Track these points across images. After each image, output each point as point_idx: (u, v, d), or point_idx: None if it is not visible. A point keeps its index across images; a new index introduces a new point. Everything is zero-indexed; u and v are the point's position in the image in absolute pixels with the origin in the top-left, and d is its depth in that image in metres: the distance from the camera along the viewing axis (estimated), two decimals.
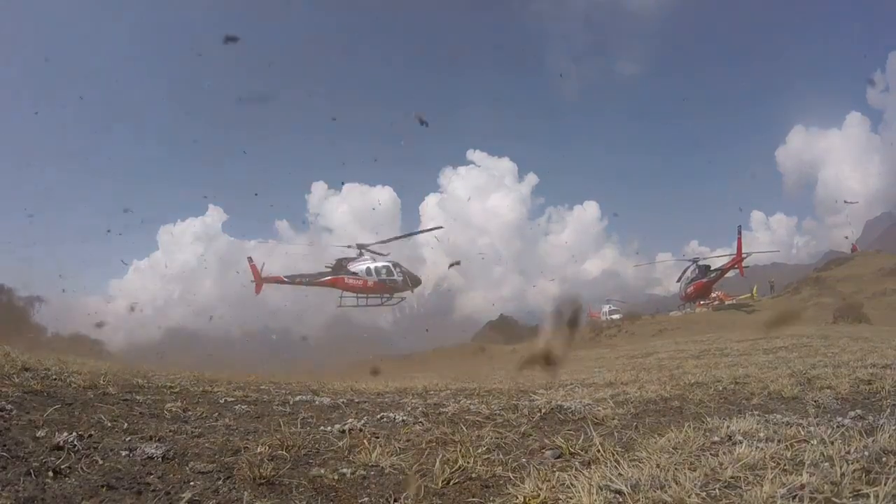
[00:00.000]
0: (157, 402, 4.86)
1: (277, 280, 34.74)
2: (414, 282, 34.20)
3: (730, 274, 47.31)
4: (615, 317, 53.31)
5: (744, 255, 45.45)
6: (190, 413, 4.58)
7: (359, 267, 33.47)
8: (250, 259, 35.43)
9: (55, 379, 5.29)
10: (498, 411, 4.90)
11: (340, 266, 33.74)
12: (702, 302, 51.22)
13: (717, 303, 51.53)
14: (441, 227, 37.12)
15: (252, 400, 5.61)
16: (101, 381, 5.49)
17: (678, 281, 51.83)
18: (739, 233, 46.57)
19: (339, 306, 34.56)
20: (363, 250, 33.63)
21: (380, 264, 33.50)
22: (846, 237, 64.83)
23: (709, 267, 48.79)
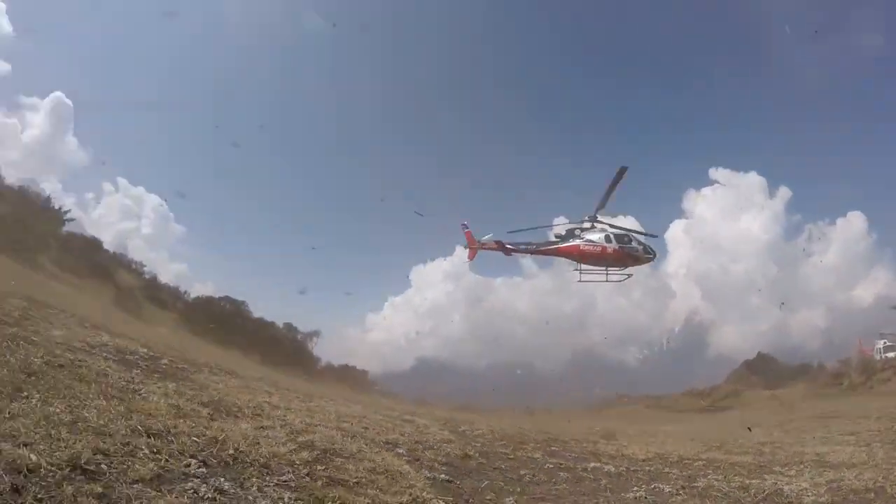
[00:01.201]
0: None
1: (499, 246, 32.29)
2: (651, 252, 31.74)
3: None
4: (891, 354, 44.41)
5: None
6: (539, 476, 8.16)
7: (595, 235, 31.53)
8: (465, 225, 33.50)
9: None
10: (733, 490, 7.45)
11: (572, 234, 31.99)
12: None
13: None
14: (626, 168, 30.34)
15: (565, 467, 9.03)
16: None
17: None
18: None
19: (580, 281, 32.46)
20: (595, 223, 31.82)
21: (618, 231, 31.55)
22: None
23: None
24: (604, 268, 31.94)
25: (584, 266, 32.00)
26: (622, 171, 29.38)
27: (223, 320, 40.84)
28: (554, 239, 32.53)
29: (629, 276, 32.23)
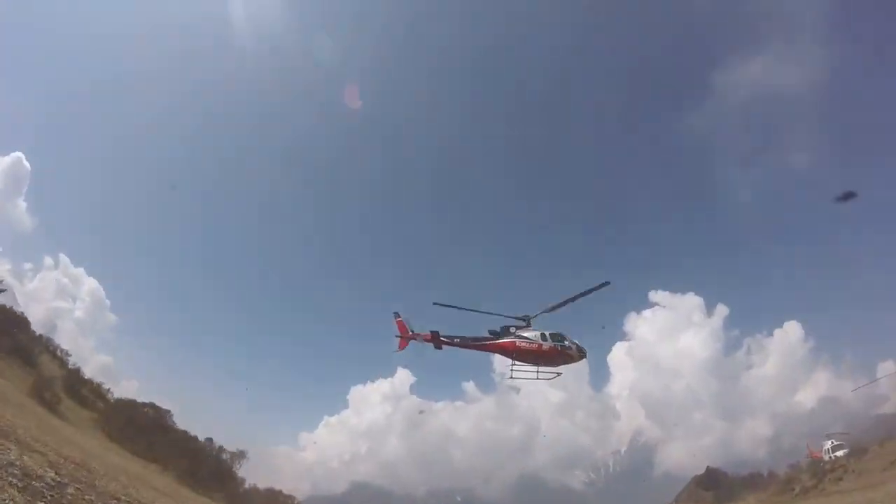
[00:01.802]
0: None
1: (432, 338, 31.39)
2: (583, 351, 32.50)
3: None
4: (839, 453, 45.13)
5: None
6: None
7: (531, 332, 32.08)
8: (397, 314, 32.91)
9: None
10: None
11: (508, 332, 32.29)
12: None
13: None
14: (608, 283, 30.18)
15: None
16: None
17: None
18: None
19: (511, 377, 32.51)
20: (529, 321, 32.46)
21: (552, 331, 32.16)
22: None
23: None
24: (536, 365, 31.79)
25: (516, 363, 31.75)
26: (604, 284, 29.62)
27: (145, 429, 37.85)
28: (488, 335, 32.25)
29: (559, 374, 32.42)
